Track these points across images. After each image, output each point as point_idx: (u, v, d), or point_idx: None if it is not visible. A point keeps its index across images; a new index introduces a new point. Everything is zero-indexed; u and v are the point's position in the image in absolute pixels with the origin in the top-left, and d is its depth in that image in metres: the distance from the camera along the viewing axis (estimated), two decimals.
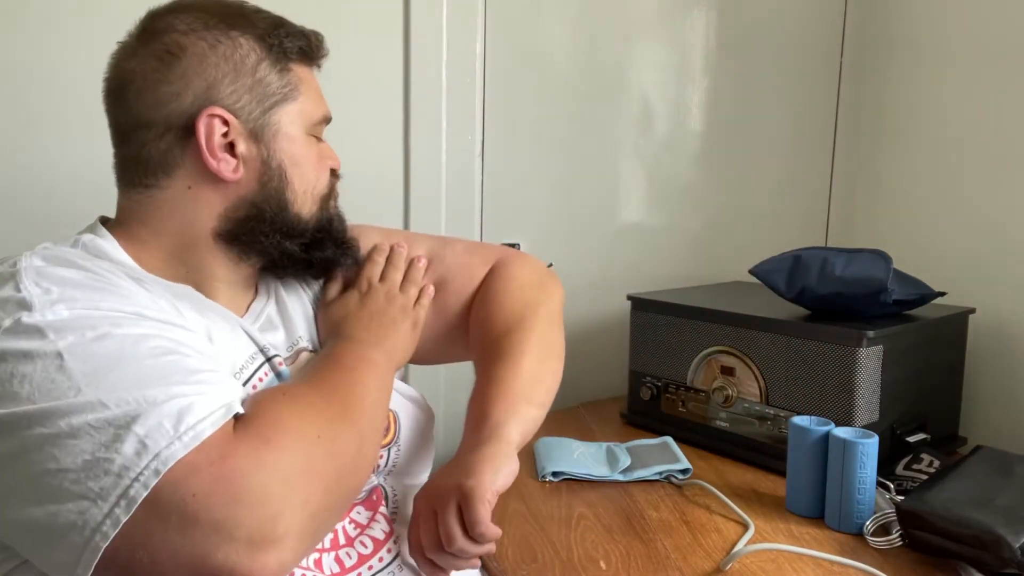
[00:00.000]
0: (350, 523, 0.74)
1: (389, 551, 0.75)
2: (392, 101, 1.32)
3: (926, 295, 1.17)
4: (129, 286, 0.63)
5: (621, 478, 1.09)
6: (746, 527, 0.94)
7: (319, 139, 0.77)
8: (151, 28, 0.70)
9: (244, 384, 0.70)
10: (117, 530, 0.50)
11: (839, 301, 1.13)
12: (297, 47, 0.74)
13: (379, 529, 0.75)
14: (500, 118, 1.41)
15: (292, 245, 0.75)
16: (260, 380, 0.72)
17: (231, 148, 0.70)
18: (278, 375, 0.73)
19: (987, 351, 1.32)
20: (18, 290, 0.58)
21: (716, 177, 1.61)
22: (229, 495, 0.52)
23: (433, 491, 0.72)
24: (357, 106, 1.27)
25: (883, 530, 0.93)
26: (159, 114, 0.69)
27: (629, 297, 1.35)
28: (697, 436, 1.24)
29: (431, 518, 0.71)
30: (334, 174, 0.80)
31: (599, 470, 1.11)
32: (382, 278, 0.85)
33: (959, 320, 1.27)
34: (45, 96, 1.08)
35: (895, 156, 1.54)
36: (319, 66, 0.78)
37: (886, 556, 0.88)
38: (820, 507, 0.97)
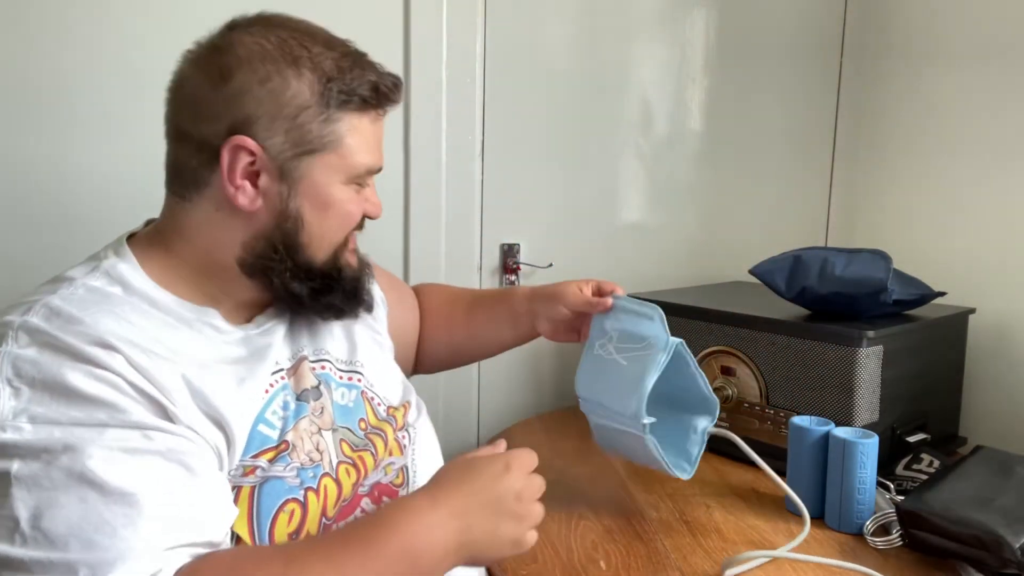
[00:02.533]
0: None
1: None
2: None
3: (926, 295, 1.17)
4: (126, 364, 0.62)
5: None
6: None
7: (360, 187, 0.77)
8: (219, 41, 0.71)
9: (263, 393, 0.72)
10: None
11: (839, 301, 1.13)
12: (358, 96, 0.72)
13: None
14: (500, 118, 1.41)
15: (300, 287, 0.75)
16: (266, 392, 0.73)
17: (255, 179, 0.70)
18: (283, 387, 0.75)
19: (987, 351, 1.32)
20: None
21: (716, 177, 1.61)
22: None
23: None
24: None
25: (883, 530, 0.93)
26: (198, 130, 0.70)
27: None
28: None
29: None
30: (361, 224, 0.80)
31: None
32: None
33: (959, 320, 1.27)
34: (45, 97, 1.08)
35: (895, 156, 1.54)
36: (384, 113, 0.77)
37: (886, 556, 0.88)
38: (820, 507, 0.97)
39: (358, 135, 0.74)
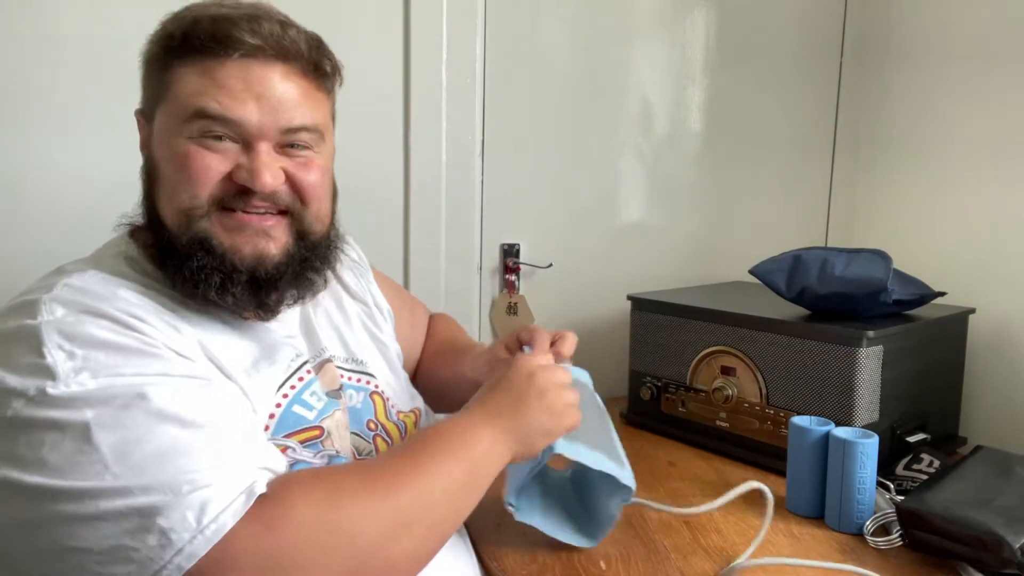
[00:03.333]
0: None
1: None
2: (392, 101, 1.32)
3: (926, 295, 1.17)
4: (153, 332, 0.63)
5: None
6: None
7: (204, 138, 0.69)
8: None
9: (281, 385, 0.73)
10: None
11: (839, 301, 1.13)
12: (192, 43, 0.68)
13: None
14: (500, 118, 1.41)
15: (170, 261, 0.70)
16: (300, 380, 0.75)
17: (147, 134, 0.74)
18: (314, 379, 0.76)
19: (987, 351, 1.32)
20: (42, 355, 0.58)
21: (716, 177, 1.61)
22: None
23: None
24: (357, 106, 1.27)
25: (883, 530, 0.93)
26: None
27: (629, 297, 1.35)
28: (697, 436, 1.24)
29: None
30: (236, 192, 0.70)
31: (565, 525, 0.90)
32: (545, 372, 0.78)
33: (959, 320, 1.27)
34: (46, 97, 1.08)
35: (895, 156, 1.54)
36: (229, 55, 0.68)
37: (886, 556, 0.88)
38: (820, 507, 0.97)
39: (189, 82, 0.68)
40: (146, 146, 0.74)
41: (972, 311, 1.28)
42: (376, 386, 0.86)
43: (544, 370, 0.77)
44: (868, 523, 0.93)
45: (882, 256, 1.12)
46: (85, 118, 1.10)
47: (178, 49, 0.69)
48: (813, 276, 1.15)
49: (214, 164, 0.69)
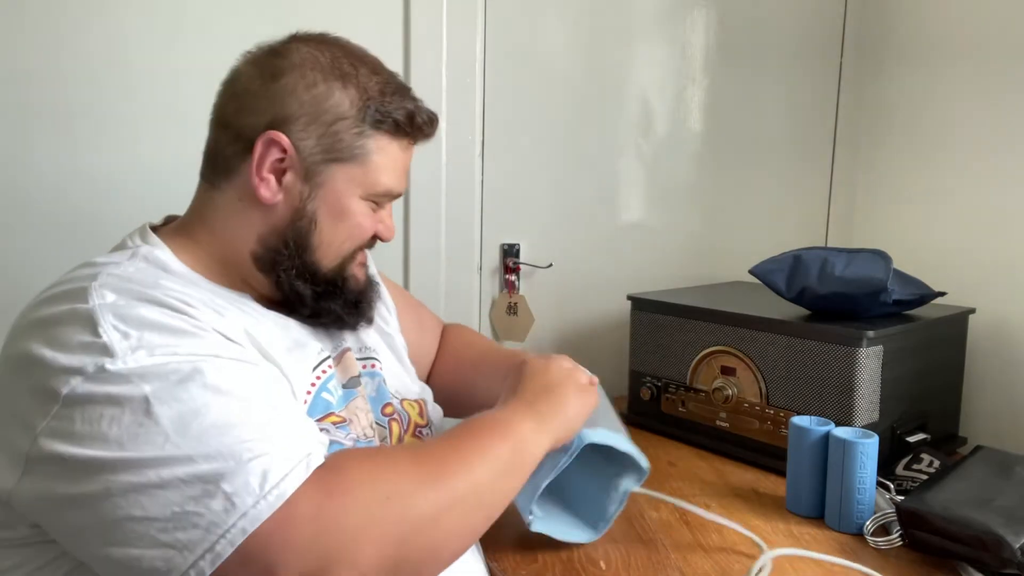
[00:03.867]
0: None
1: None
2: None
3: (926, 295, 1.17)
4: (201, 316, 0.65)
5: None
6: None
7: (377, 206, 0.80)
8: (279, 47, 0.76)
9: (314, 369, 0.76)
10: None
11: (839, 301, 1.13)
12: (392, 119, 0.76)
13: None
14: (500, 118, 1.41)
15: (304, 288, 0.77)
16: (324, 372, 0.77)
17: (281, 175, 0.74)
18: (335, 373, 0.79)
19: (987, 351, 1.32)
20: (98, 335, 0.59)
21: (716, 177, 1.61)
22: (280, 542, 0.55)
23: None
24: None
25: (883, 530, 0.93)
26: (239, 120, 0.75)
27: (629, 297, 1.35)
28: (697, 436, 1.24)
29: None
30: (372, 242, 0.82)
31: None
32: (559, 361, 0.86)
33: (959, 320, 1.27)
34: (46, 96, 1.08)
35: (895, 156, 1.54)
36: (414, 142, 0.81)
37: (886, 556, 0.88)
38: (820, 507, 0.97)
39: (385, 156, 0.77)
40: (291, 185, 0.75)
41: (972, 311, 1.28)
42: (381, 369, 0.89)
43: (559, 359, 0.86)
44: (868, 523, 0.93)
45: (882, 256, 1.12)
46: (87, 119, 1.10)
47: (389, 125, 0.76)
48: (813, 276, 1.15)
49: (371, 224, 0.80)
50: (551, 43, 1.46)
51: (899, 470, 1.08)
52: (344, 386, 0.80)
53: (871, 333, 1.05)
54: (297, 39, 0.77)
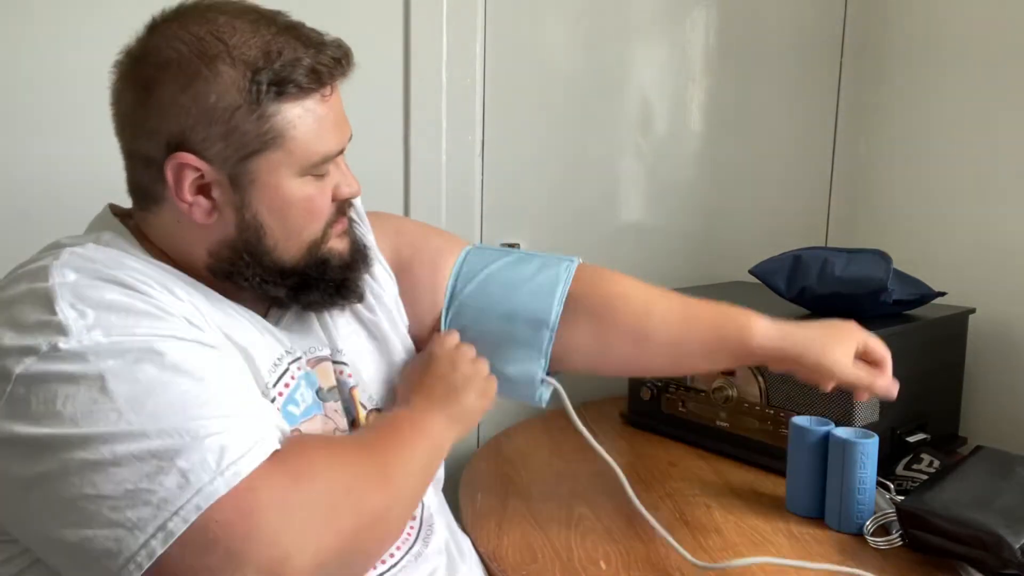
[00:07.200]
0: None
1: (409, 535, 0.78)
2: (392, 101, 1.32)
3: (926, 295, 1.17)
4: (162, 298, 0.63)
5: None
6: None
7: (322, 176, 0.71)
8: (139, 49, 0.67)
9: (276, 382, 0.71)
10: (151, 562, 0.52)
11: (839, 301, 1.13)
12: (291, 83, 0.66)
13: None
14: (500, 118, 1.41)
15: (275, 289, 0.73)
16: (292, 378, 0.73)
17: (207, 191, 0.67)
18: (306, 376, 0.75)
19: (987, 351, 1.32)
20: (53, 313, 0.57)
21: (716, 177, 1.61)
22: (245, 529, 0.53)
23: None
24: (357, 106, 1.26)
25: (883, 530, 0.93)
26: (138, 148, 0.68)
27: None
28: (697, 436, 1.24)
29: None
30: (342, 207, 0.75)
31: None
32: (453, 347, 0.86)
33: (959, 320, 1.27)
34: (46, 95, 1.08)
35: (895, 156, 1.54)
36: (331, 90, 0.70)
37: (886, 556, 0.88)
38: (820, 507, 0.97)
39: (303, 122, 0.67)
40: (222, 198, 0.68)
41: (972, 311, 1.28)
42: (350, 376, 0.81)
43: (459, 353, 0.84)
44: (868, 523, 0.93)
45: (882, 256, 1.13)
46: (85, 117, 1.10)
47: (292, 88, 0.66)
48: (813, 276, 1.15)
49: (324, 197, 0.72)
50: (551, 43, 1.46)
51: (899, 470, 1.08)
52: (317, 394, 0.76)
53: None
54: (155, 30, 0.67)
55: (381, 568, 0.73)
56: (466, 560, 0.84)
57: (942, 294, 1.19)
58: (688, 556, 0.85)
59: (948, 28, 1.42)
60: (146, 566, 0.52)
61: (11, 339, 0.57)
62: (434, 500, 0.86)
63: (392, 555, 0.75)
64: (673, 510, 1.00)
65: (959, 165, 1.40)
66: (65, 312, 0.57)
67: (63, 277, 0.60)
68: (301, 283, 0.74)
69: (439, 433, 0.76)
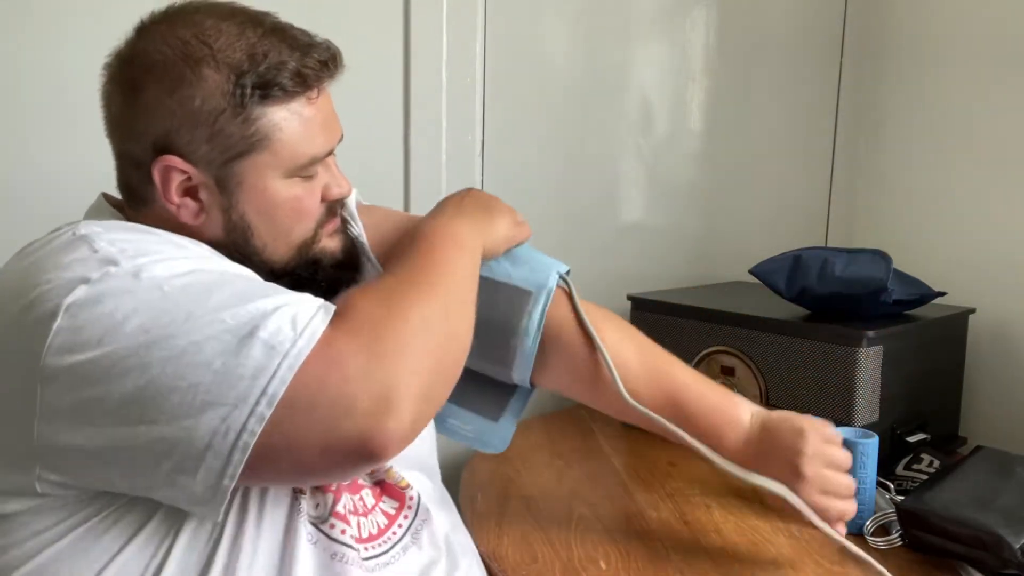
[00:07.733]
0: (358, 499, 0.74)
1: (400, 526, 0.76)
2: (392, 101, 1.32)
3: (926, 295, 1.17)
4: (189, 245, 0.66)
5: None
6: None
7: (311, 177, 0.72)
8: (126, 51, 0.68)
9: None
10: (262, 425, 0.54)
11: (839, 301, 1.13)
12: (277, 86, 0.66)
13: (389, 505, 0.76)
14: (500, 118, 1.41)
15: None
16: None
17: (195, 193, 0.68)
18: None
19: (987, 351, 1.32)
20: (95, 250, 0.59)
21: (716, 177, 1.61)
22: (341, 375, 0.56)
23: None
24: (357, 106, 1.26)
25: (883, 530, 0.93)
26: (127, 149, 0.69)
27: (629, 297, 1.35)
28: None
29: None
30: (333, 208, 0.76)
31: None
32: None
33: (959, 320, 1.27)
34: (46, 94, 1.08)
35: (895, 156, 1.54)
36: (317, 92, 0.70)
37: (886, 556, 0.88)
38: None
39: (290, 125, 0.68)
40: (209, 199, 0.69)
41: (972, 311, 1.28)
42: None
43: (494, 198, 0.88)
44: (868, 523, 0.93)
45: (882, 256, 1.13)
46: (86, 117, 1.10)
47: (277, 92, 0.67)
48: (813, 276, 1.15)
49: (312, 199, 0.73)
50: (551, 43, 1.45)
51: (899, 470, 1.08)
52: None
53: (871, 333, 1.05)
54: (142, 32, 0.68)
55: (373, 551, 0.72)
56: (467, 556, 0.84)
57: (942, 294, 1.19)
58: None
59: (948, 28, 1.42)
60: (259, 431, 0.54)
61: (56, 277, 0.58)
62: (428, 487, 0.84)
63: (388, 539, 0.73)
64: (673, 510, 1.00)
65: (959, 165, 1.40)
66: (106, 248, 0.59)
67: (90, 229, 0.62)
68: (293, 283, 0.73)
69: (470, 246, 0.76)
